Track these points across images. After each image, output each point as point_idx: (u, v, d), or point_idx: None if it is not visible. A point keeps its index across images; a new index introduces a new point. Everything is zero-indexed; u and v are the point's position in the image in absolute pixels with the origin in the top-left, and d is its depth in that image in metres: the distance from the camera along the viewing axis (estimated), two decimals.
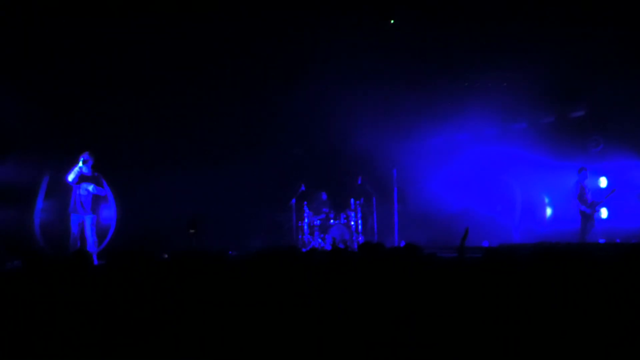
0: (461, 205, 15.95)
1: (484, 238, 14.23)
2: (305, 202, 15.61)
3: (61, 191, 12.54)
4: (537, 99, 14.57)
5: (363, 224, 15.50)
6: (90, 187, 11.71)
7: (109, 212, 14.08)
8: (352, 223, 15.34)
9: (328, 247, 14.55)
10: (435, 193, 16.16)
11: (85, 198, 11.69)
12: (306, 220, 15.52)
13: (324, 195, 15.86)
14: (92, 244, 11.61)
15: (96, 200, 11.87)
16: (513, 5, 12.28)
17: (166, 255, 7.10)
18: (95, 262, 10.59)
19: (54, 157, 13.46)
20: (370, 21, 13.69)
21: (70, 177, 11.58)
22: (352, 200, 15.51)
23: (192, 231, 11.99)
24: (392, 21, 14.05)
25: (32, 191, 13.90)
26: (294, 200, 15.54)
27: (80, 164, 11.56)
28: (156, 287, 5.11)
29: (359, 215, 15.56)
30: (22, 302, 4.79)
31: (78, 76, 13.48)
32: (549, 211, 15.61)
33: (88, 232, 11.64)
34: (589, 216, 13.06)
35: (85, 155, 11.65)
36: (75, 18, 12.13)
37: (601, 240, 12.68)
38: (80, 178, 11.61)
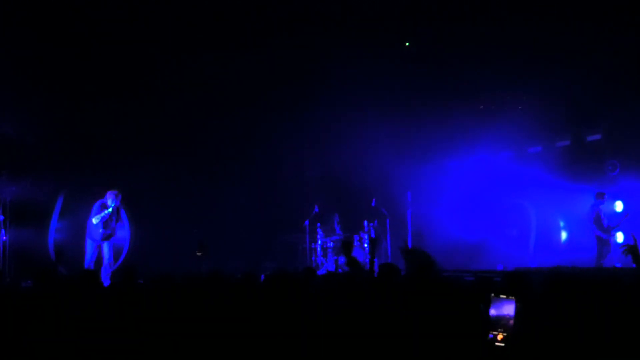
0: (476, 228, 15.85)
1: (498, 261, 14.13)
2: (319, 224, 15.55)
3: (76, 211, 12.60)
4: (552, 122, 14.53)
5: (377, 247, 15.39)
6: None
7: (123, 233, 14.12)
8: (366, 245, 15.25)
9: (344, 269, 14.45)
10: (450, 216, 16.09)
11: (105, 229, 11.72)
12: (319, 242, 15.45)
13: (336, 217, 15.80)
14: (107, 266, 11.60)
15: (114, 227, 11.91)
16: (528, 29, 12.29)
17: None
18: (108, 282, 10.59)
19: (70, 176, 13.54)
20: (385, 44, 13.75)
21: (95, 220, 11.58)
22: (365, 222, 15.44)
23: (199, 254, 12.01)
24: (407, 44, 14.10)
25: (47, 211, 13.97)
26: (307, 222, 15.49)
27: (110, 210, 11.58)
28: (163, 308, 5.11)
29: (373, 236, 15.47)
30: (32, 320, 4.81)
31: (92, 97, 13.60)
32: (564, 235, 15.47)
33: (106, 254, 11.64)
34: (605, 241, 12.93)
35: (112, 195, 11.66)
36: (89, 39, 12.29)
37: (618, 265, 12.52)
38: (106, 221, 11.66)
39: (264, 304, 4.95)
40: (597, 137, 14.95)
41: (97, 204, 11.77)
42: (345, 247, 8.41)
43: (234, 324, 4.62)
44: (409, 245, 13.79)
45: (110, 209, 11.62)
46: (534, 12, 12.11)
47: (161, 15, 12.32)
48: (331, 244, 15.35)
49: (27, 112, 12.96)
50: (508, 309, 3.72)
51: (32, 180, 13.15)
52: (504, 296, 3.74)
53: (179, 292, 5.75)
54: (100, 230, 11.65)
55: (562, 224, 15.51)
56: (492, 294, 3.76)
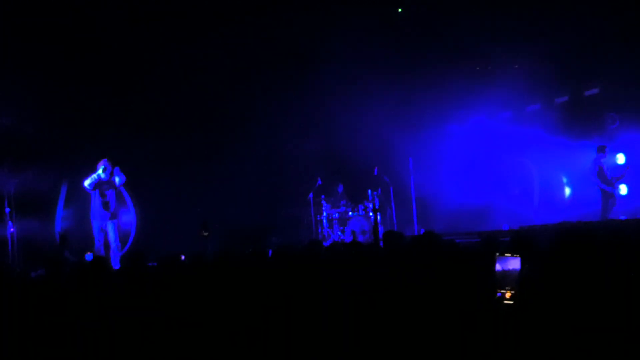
0: (479, 190, 15.89)
1: (504, 222, 14.18)
2: (323, 196, 15.59)
3: (81, 198, 12.63)
4: (550, 79, 14.46)
5: (382, 215, 15.46)
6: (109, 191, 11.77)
7: (129, 217, 14.17)
8: (371, 214, 15.30)
9: (348, 240, 14.53)
10: (452, 179, 16.11)
11: (105, 204, 11.74)
12: (324, 213, 15.51)
13: (340, 188, 15.83)
14: (115, 249, 11.65)
15: (116, 205, 11.92)
16: None
17: (183, 257, 7.16)
18: (118, 266, 10.66)
19: (72, 164, 13.55)
20: (380, 10, 13.69)
21: (86, 182, 11.61)
22: (369, 191, 15.46)
23: (205, 234, 12.05)
24: (399, 9, 14.03)
25: (52, 200, 14.01)
26: (311, 195, 15.53)
27: (100, 171, 11.59)
28: (175, 290, 5.15)
29: (377, 205, 15.51)
30: (46, 309, 4.85)
31: (95, 83, 13.59)
32: (567, 191, 15.50)
33: (111, 237, 11.68)
34: (610, 194, 12.95)
35: (104, 162, 11.68)
36: (93, 30, 12.28)
37: (622, 218, 12.57)
38: (98, 185, 11.65)
39: (274, 279, 4.99)
40: (595, 91, 14.90)
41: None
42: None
43: (247, 301, 4.66)
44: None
45: (100, 170, 11.60)
46: None
47: None
48: (337, 215, 15.40)
49: (26, 101, 12.96)
50: (514, 266, 3.76)
51: (35, 171, 13.16)
52: (509, 254, 3.78)
53: (189, 272, 5.80)
54: (99, 208, 11.66)
55: (565, 180, 15.53)
56: (497, 254, 3.80)
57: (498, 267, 3.77)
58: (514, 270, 3.75)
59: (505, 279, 3.73)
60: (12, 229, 12.56)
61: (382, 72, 14.47)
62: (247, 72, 14.58)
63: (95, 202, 11.71)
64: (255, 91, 15.09)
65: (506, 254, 3.78)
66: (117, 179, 11.80)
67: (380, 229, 15.22)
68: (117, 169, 11.78)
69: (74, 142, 13.93)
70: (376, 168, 15.12)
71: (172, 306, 4.87)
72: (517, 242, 5.02)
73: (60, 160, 13.73)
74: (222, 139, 15.73)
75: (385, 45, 14.19)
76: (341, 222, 15.36)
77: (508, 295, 3.70)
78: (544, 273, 3.96)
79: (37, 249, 12.67)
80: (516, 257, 3.77)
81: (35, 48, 12.40)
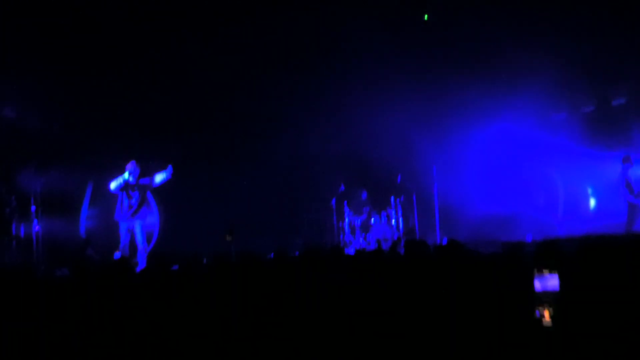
0: (503, 199, 15.77)
1: (527, 231, 14.05)
2: (346, 202, 15.57)
3: (105, 198, 12.75)
4: (577, 88, 14.34)
5: (404, 222, 15.41)
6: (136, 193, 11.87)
7: (152, 218, 14.27)
8: (393, 221, 15.26)
9: (371, 247, 14.50)
10: (476, 187, 16.01)
11: (131, 206, 11.82)
12: (347, 220, 15.49)
13: (364, 194, 15.80)
14: (142, 250, 11.73)
15: (142, 207, 12.01)
16: None
17: (205, 260, 7.19)
18: (144, 265, 10.73)
19: (98, 165, 13.68)
20: (407, 17, 13.67)
21: (112, 185, 11.73)
22: (392, 198, 15.43)
23: (229, 239, 12.10)
24: (426, 17, 13.99)
25: (77, 199, 14.15)
26: (334, 200, 15.52)
27: (127, 174, 11.69)
28: (197, 291, 5.18)
29: (400, 213, 15.47)
30: (70, 309, 4.90)
31: (121, 85, 13.71)
32: (592, 202, 15.33)
33: (139, 238, 11.77)
34: (636, 206, 12.79)
35: (132, 165, 11.78)
36: (117, 31, 12.39)
37: None
38: (124, 187, 11.74)
39: (297, 283, 5.00)
40: (622, 100, 14.74)
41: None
42: None
43: (266, 303, 4.68)
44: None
45: (126, 176, 11.69)
46: None
47: None
48: (359, 222, 15.37)
49: (53, 102, 13.12)
50: (552, 284, 3.65)
51: (61, 170, 13.31)
52: (547, 270, 3.69)
53: (211, 274, 5.83)
54: (125, 209, 11.76)
55: (590, 191, 15.37)
56: (535, 269, 3.71)
57: (536, 284, 3.67)
58: (552, 287, 3.64)
59: (543, 296, 3.62)
60: (37, 228, 12.71)
61: (406, 78, 14.42)
62: (274, 75, 14.62)
63: (122, 204, 11.80)
64: (281, 94, 15.12)
65: (544, 270, 3.68)
66: (158, 178, 11.89)
67: (402, 238, 15.19)
68: (169, 167, 11.82)
69: (100, 142, 14.07)
70: (400, 175, 15.09)
71: (192, 307, 4.90)
72: (547, 257, 4.95)
73: (87, 161, 13.87)
74: (246, 140, 15.80)
75: (410, 51, 14.15)
76: (363, 229, 15.33)
77: (547, 314, 3.60)
78: (576, 291, 3.89)
79: (61, 248, 12.81)
80: (554, 273, 3.67)
81: (61, 49, 12.53)
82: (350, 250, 14.11)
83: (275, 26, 13.55)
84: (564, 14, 12.86)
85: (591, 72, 13.95)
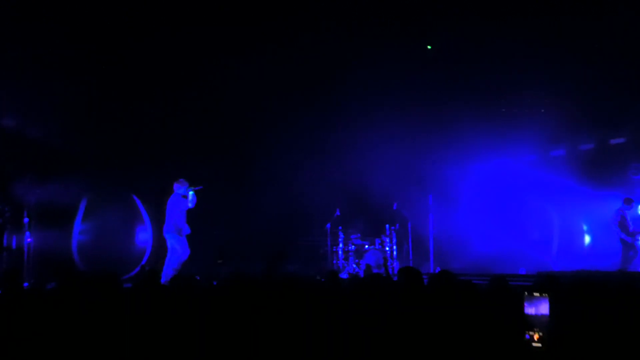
0: (497, 232, 15.74)
1: (520, 265, 14.01)
2: (340, 227, 15.53)
3: (99, 213, 12.70)
4: (576, 125, 14.39)
5: (398, 250, 15.36)
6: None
7: (145, 235, 14.21)
8: (387, 249, 15.21)
9: (362, 273, 14.42)
10: (471, 219, 15.99)
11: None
12: (341, 245, 15.44)
13: (359, 221, 15.77)
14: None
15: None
16: (551, 29, 12.22)
17: (198, 277, 7.15)
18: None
19: (93, 180, 13.65)
20: (406, 46, 13.74)
21: (190, 205, 11.76)
22: (387, 225, 15.40)
23: (219, 261, 12.09)
24: (429, 47, 14.06)
25: (71, 213, 14.08)
26: (329, 225, 15.48)
27: (191, 193, 11.66)
28: (187, 309, 5.13)
29: (394, 240, 15.43)
30: (55, 321, 4.85)
31: (117, 100, 13.72)
32: (587, 239, 15.31)
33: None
34: (630, 245, 12.77)
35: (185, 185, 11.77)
36: (114, 44, 12.42)
37: None
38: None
39: (284, 306, 4.96)
40: (621, 140, 14.78)
41: (176, 198, 11.82)
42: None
43: (257, 326, 4.63)
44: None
45: (191, 194, 11.76)
46: (556, 11, 12.04)
47: (183, 17, 12.45)
48: (353, 247, 15.32)
49: (52, 115, 13.10)
50: (542, 308, 3.69)
51: (56, 183, 13.27)
52: (537, 294, 3.71)
53: (203, 294, 5.78)
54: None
55: (585, 228, 15.35)
56: (526, 292, 3.74)
57: (526, 308, 3.70)
58: (542, 312, 3.67)
59: (534, 320, 3.66)
60: (29, 239, 12.65)
61: (405, 108, 14.47)
62: (269, 100, 14.66)
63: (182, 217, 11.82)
64: (277, 119, 15.14)
65: (535, 294, 3.71)
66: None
67: (396, 264, 15.14)
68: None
69: (97, 157, 14.04)
70: (395, 203, 15.07)
71: (183, 324, 4.85)
72: (543, 284, 4.93)
73: (83, 175, 13.82)
74: (241, 164, 15.77)
75: (410, 80, 14.22)
76: (357, 254, 15.28)
77: (536, 337, 3.63)
78: (568, 318, 3.88)
79: (52, 261, 12.72)
80: (545, 297, 3.69)
81: (63, 61, 12.54)
82: (343, 275, 14.06)
83: (276, 54, 13.65)
84: (565, 52, 12.94)
85: (591, 111, 13.99)
